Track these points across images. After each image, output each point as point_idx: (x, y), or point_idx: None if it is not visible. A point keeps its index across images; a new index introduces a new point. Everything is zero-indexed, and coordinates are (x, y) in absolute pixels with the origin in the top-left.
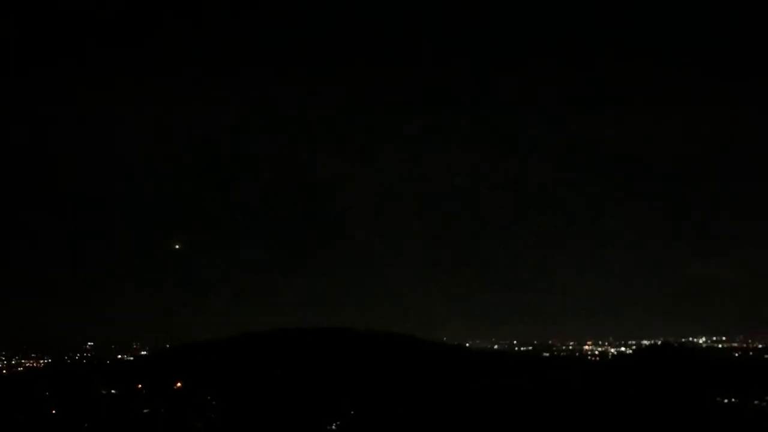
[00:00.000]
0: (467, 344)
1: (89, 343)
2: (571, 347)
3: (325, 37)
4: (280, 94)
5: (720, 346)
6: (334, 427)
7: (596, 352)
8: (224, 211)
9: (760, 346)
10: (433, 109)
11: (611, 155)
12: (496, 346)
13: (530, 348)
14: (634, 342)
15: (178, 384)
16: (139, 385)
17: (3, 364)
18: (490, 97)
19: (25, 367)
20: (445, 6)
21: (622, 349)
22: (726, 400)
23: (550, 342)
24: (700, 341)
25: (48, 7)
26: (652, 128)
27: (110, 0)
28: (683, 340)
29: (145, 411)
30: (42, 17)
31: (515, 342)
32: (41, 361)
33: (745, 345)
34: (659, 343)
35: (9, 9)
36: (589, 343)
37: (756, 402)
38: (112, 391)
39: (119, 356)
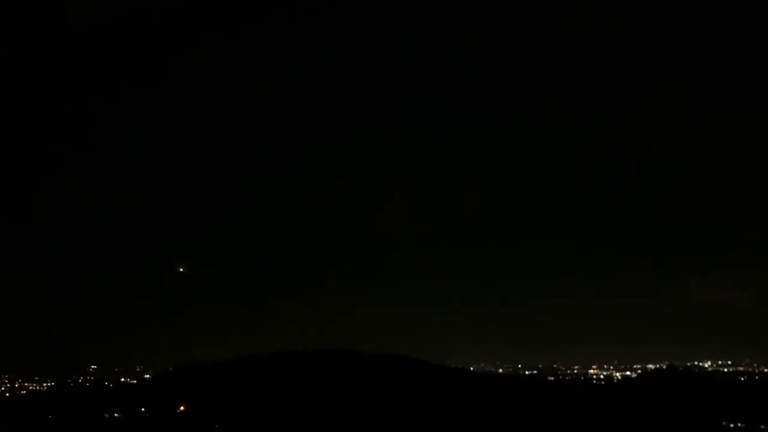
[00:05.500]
0: (471, 368)
1: (92, 366)
2: (576, 371)
3: None
4: None
5: (726, 369)
6: None
7: (601, 376)
8: (226, 231)
9: (766, 369)
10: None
11: (611, 177)
12: (500, 370)
13: (535, 372)
14: (639, 366)
15: (182, 407)
16: (143, 408)
17: (6, 387)
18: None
19: (28, 390)
20: None
21: (628, 373)
22: (732, 425)
23: (555, 366)
24: (706, 365)
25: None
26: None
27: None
28: (688, 363)
29: None
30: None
31: (520, 365)
32: (44, 384)
33: (751, 368)
34: (664, 366)
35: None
36: (594, 367)
37: (763, 427)
38: (116, 415)
39: (122, 379)
